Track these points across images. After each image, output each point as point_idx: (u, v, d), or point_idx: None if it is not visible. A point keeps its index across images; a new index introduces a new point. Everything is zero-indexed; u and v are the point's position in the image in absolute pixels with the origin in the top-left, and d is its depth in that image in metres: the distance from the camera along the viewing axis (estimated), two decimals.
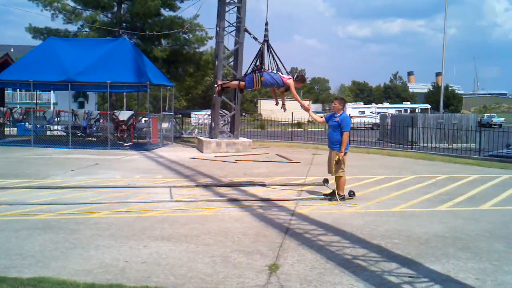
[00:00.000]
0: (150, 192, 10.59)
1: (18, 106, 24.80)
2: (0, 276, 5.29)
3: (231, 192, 10.66)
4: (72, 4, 26.87)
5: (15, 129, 24.60)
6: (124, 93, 35.16)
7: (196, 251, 6.42)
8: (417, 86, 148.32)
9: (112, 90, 20.93)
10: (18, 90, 45.33)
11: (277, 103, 10.50)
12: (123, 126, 20.29)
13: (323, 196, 10.09)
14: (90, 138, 21.62)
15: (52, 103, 47.82)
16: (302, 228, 7.65)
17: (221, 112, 21.44)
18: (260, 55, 10.08)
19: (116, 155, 17.78)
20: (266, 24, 10.56)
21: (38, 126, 22.56)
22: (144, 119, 22.92)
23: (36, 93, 26.06)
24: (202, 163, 15.91)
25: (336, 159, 9.78)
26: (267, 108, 69.12)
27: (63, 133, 23.13)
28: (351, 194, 10.03)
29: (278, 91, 10.23)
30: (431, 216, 8.61)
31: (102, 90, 21.69)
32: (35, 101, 25.96)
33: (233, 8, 19.93)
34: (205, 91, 59.48)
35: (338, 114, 9.96)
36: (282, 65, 10.09)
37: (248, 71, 10.03)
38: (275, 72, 9.82)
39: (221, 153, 18.77)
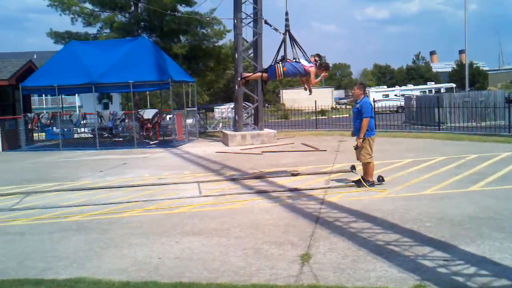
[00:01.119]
0: (179, 189, 10.66)
1: (44, 111, 25.17)
2: (38, 279, 5.40)
3: (259, 184, 10.66)
4: (90, 7, 27.11)
5: (44, 134, 25.03)
6: (147, 92, 35.46)
7: (228, 244, 6.44)
8: (441, 66, 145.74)
9: (135, 90, 21.07)
10: (44, 95, 46.16)
11: (305, 89, 10.53)
12: (148, 124, 20.47)
13: (351, 183, 10.01)
14: (116, 138, 21.88)
15: (77, 106, 48.56)
16: (333, 216, 7.60)
17: (244, 104, 21.46)
18: (282, 45, 10.03)
19: (143, 154, 17.96)
20: (286, 14, 10.45)
21: (65, 129, 22.91)
22: (168, 116, 23.07)
23: (61, 98, 26.44)
24: (228, 157, 15.95)
25: (355, 146, 9.73)
26: (290, 97, 69.06)
27: (90, 135, 23.45)
28: (380, 179, 9.93)
29: (303, 79, 10.15)
30: (463, 197, 8.46)
31: (125, 90, 21.85)
32: (60, 105, 26.40)
33: None
34: (227, 84, 59.49)
35: (359, 100, 9.86)
36: (305, 53, 10.01)
37: (272, 63, 9.98)
38: (297, 61, 9.75)
39: (247, 146, 18.79)
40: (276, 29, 10.33)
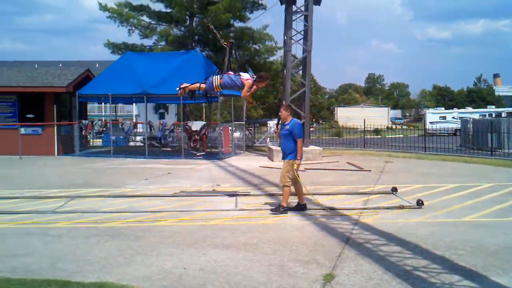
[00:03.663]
0: (217, 201, 10.77)
1: (98, 119, 26.15)
2: (65, 280, 5.60)
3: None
4: (147, 20, 28.05)
5: (99, 140, 25.97)
6: (203, 104, 36.16)
7: (254, 259, 6.46)
8: (504, 89, 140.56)
9: (184, 102, 21.57)
10: (103, 103, 47.89)
11: (249, 103, 10.44)
12: (196, 136, 20.82)
13: (392, 205, 9.79)
14: (165, 148, 22.35)
15: (134, 115, 50.08)
16: (364, 238, 7.48)
17: None
18: (225, 57, 9.97)
19: (188, 165, 18.28)
20: (232, 26, 10.54)
21: (120, 137, 23.67)
22: (216, 128, 23.40)
23: (116, 106, 27.37)
24: (271, 172, 15.97)
25: (296, 167, 9.38)
26: (344, 115, 68.56)
27: (141, 144, 24.11)
28: (419, 203, 9.68)
29: (248, 94, 9.74)
30: (503, 226, 8.12)
31: (175, 101, 22.42)
32: (116, 114, 27.34)
33: (300, 16, 19.94)
34: (280, 99, 59.82)
35: (287, 122, 9.53)
36: (247, 67, 9.95)
37: (215, 74, 9.77)
38: (237, 74, 9.50)
39: None
40: (221, 40, 10.35)
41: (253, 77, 9.27)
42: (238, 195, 11.37)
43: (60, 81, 22.41)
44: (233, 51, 10.14)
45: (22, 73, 24.15)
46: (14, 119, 22.32)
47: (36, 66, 49.29)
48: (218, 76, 9.51)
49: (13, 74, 23.91)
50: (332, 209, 9.61)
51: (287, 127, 9.45)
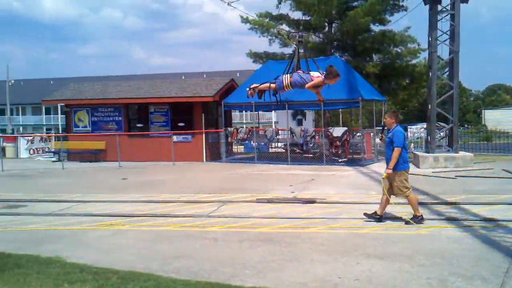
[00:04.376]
0: (364, 209, 10.53)
1: (244, 126, 27.20)
2: (226, 284, 5.85)
3: (449, 211, 10.05)
4: (286, 28, 28.62)
5: (242, 147, 26.97)
6: (340, 110, 35.97)
7: (410, 271, 6.22)
8: None
9: (325, 108, 21.58)
10: (244, 111, 49.75)
11: (319, 101, 10.51)
12: (337, 142, 20.68)
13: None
14: (307, 155, 22.49)
15: (273, 122, 51.41)
16: None
17: (438, 124, 20.41)
18: (294, 55, 9.87)
19: (331, 171, 18.20)
20: (301, 25, 10.20)
21: (262, 144, 24.38)
22: (357, 134, 23.03)
23: (258, 114, 28.23)
24: (418, 179, 15.28)
25: (384, 176, 8.89)
26: (493, 118, 63.71)
27: (282, 150, 24.57)
28: None
29: (315, 90, 9.54)
30: None
31: (316, 108, 22.51)
32: (257, 121, 28.25)
33: (445, 16, 18.90)
34: (422, 103, 57.42)
35: (391, 129, 9.00)
36: (316, 65, 9.72)
37: (284, 73, 9.65)
38: (307, 72, 9.26)
39: (439, 169, 17.82)
40: (289, 39, 10.13)
41: (323, 74, 9.16)
42: (315, 202, 11.28)
43: (208, 91, 23.69)
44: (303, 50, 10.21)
45: (173, 84, 26.00)
46: (167, 128, 24.05)
47: (183, 77, 52.89)
48: (288, 75, 9.53)
49: (165, 85, 25.81)
50: (492, 220, 8.94)
51: (390, 134, 9.16)
